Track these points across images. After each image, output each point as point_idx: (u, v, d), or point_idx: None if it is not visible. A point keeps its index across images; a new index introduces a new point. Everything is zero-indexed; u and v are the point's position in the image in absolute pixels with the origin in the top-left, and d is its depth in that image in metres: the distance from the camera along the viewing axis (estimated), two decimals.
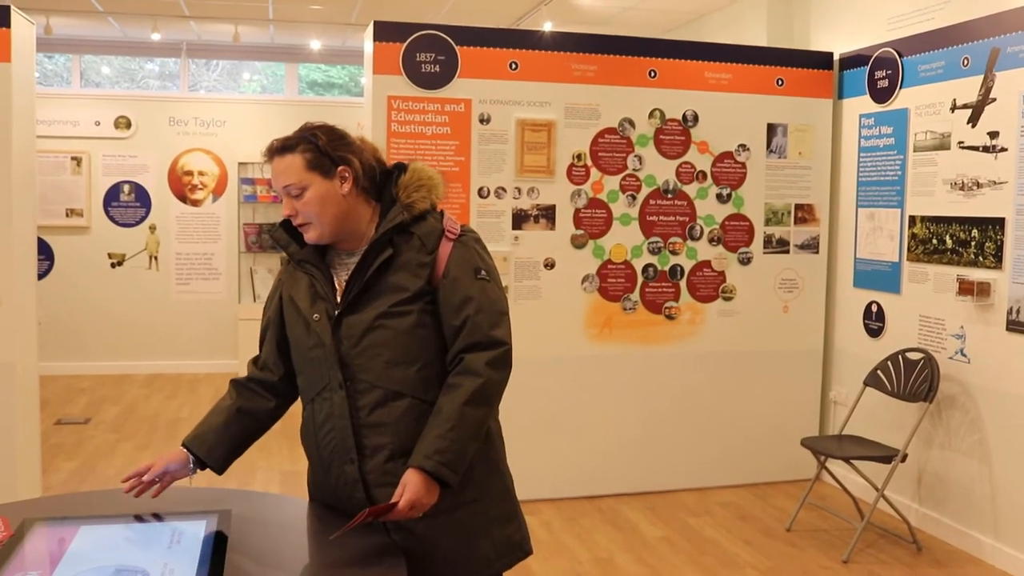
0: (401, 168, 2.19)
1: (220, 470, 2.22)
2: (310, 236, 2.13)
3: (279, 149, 2.11)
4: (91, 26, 7.86)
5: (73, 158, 8.10)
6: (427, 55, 4.70)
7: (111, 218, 8.22)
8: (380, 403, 2.07)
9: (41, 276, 7.89)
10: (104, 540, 2.02)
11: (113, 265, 8.26)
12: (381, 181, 2.18)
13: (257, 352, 2.32)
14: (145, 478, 2.13)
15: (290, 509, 2.28)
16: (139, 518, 2.10)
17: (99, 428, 6.44)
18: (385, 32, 4.68)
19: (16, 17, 4.41)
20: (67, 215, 8.12)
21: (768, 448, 5.30)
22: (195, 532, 2.06)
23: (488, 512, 2.16)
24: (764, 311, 5.27)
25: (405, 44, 4.67)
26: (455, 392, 2.04)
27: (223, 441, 2.21)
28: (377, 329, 2.07)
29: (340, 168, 2.10)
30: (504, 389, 2.12)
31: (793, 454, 4.90)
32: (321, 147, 2.09)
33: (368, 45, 4.77)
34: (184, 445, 2.21)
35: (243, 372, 2.33)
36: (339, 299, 2.11)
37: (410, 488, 1.97)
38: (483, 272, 2.13)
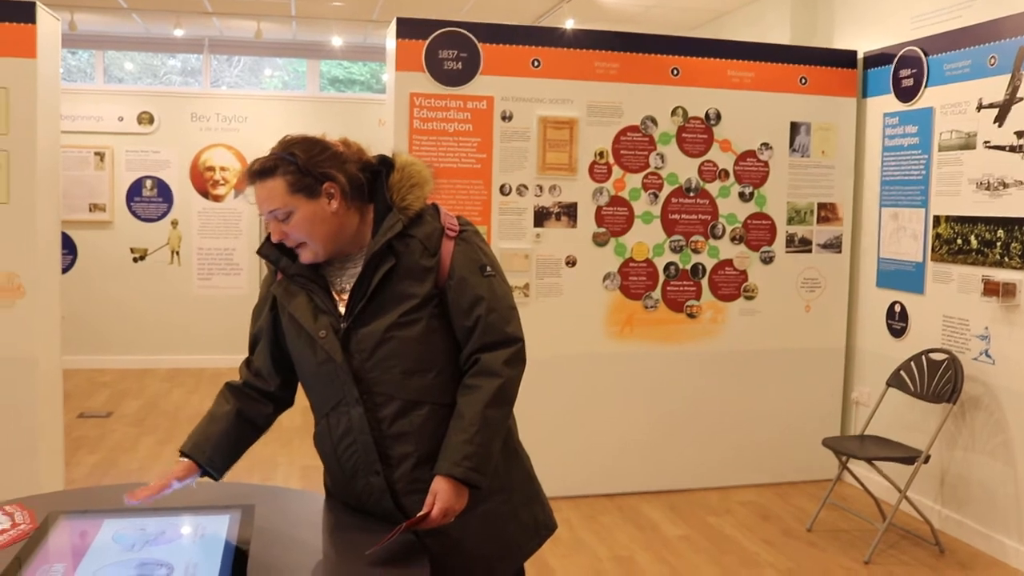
0: (388, 163, 2.10)
1: (219, 477, 2.17)
2: (306, 257, 2.05)
3: (258, 174, 2.01)
4: (115, 22, 7.91)
5: (96, 153, 8.15)
6: (450, 52, 4.70)
7: (134, 213, 8.27)
8: (400, 414, 2.04)
9: (64, 270, 7.95)
10: (128, 534, 2.02)
11: (135, 260, 8.30)
12: (370, 180, 2.09)
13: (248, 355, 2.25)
14: (154, 492, 2.05)
15: (313, 505, 2.27)
16: (163, 512, 2.11)
17: (121, 422, 6.48)
18: (408, 29, 4.68)
19: (42, 13, 4.43)
20: (90, 210, 8.17)
21: (789, 448, 5.27)
22: (219, 527, 2.06)
23: (513, 499, 2.16)
24: (786, 310, 5.24)
25: (428, 41, 4.67)
26: (475, 394, 2.01)
27: (222, 449, 2.14)
28: (389, 341, 2.02)
29: (325, 185, 2.00)
30: (519, 384, 2.10)
31: (814, 454, 4.89)
32: (302, 166, 1.99)
33: (391, 42, 4.77)
34: (184, 453, 2.13)
35: None
36: (343, 311, 2.05)
37: (441, 496, 1.95)
38: (488, 268, 2.09)
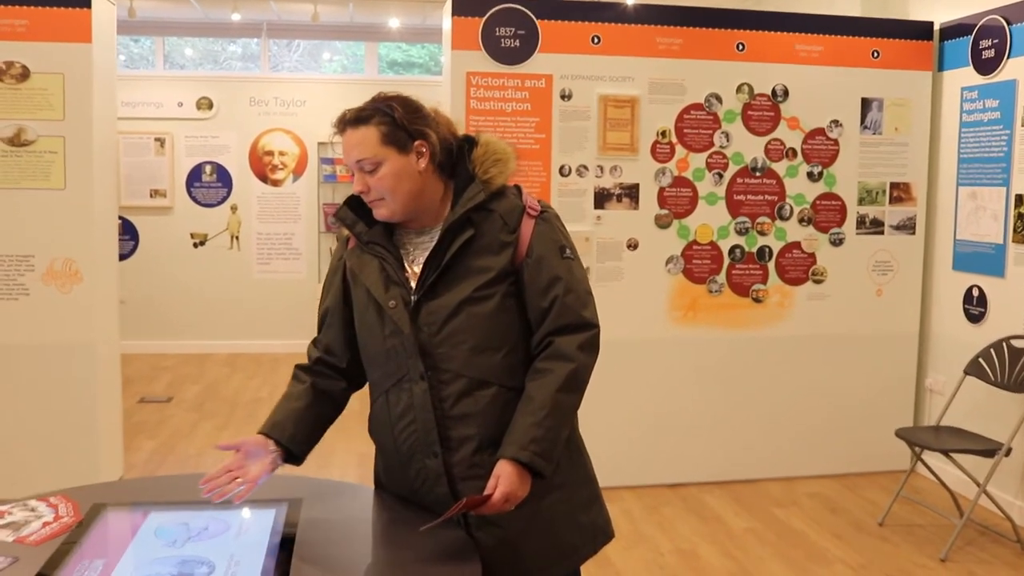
0: (470, 141, 2.06)
1: (301, 459, 2.09)
2: (381, 213, 2.00)
3: (352, 121, 1.98)
4: (173, 8, 7.93)
5: (156, 139, 8.19)
6: (507, 30, 4.58)
7: (193, 198, 8.30)
8: (465, 393, 1.95)
9: (126, 256, 8.06)
10: (172, 527, 1.96)
11: (196, 245, 8.35)
12: (454, 155, 2.04)
13: (316, 335, 2.19)
14: (229, 464, 1.96)
15: (362, 499, 2.19)
16: (208, 506, 2.03)
17: (180, 407, 6.51)
18: (464, 6, 4.57)
19: None
20: (151, 196, 8.23)
21: (859, 437, 5.08)
22: (264, 521, 1.99)
23: (572, 498, 2.06)
24: (856, 294, 5.05)
25: (484, 18, 4.56)
26: (547, 378, 1.93)
27: (303, 426, 2.08)
28: (460, 315, 1.95)
29: (417, 142, 1.97)
30: (592, 371, 2.00)
31: (886, 444, 4.69)
32: (398, 120, 1.95)
33: (446, 20, 4.67)
34: (263, 433, 2.06)
35: None
36: (415, 283, 1.99)
37: (504, 480, 1.86)
38: (568, 251, 2.02)
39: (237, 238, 8.39)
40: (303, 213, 8.41)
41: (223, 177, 8.31)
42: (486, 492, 1.86)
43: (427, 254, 1.98)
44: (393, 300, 1.97)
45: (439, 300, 1.96)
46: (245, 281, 8.42)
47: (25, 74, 4.32)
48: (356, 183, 1.99)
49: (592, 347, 1.99)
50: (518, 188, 2.07)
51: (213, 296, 8.36)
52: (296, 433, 2.07)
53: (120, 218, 7.94)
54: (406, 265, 2.02)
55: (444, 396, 1.96)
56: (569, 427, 1.99)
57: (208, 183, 8.30)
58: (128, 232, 8.16)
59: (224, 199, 8.34)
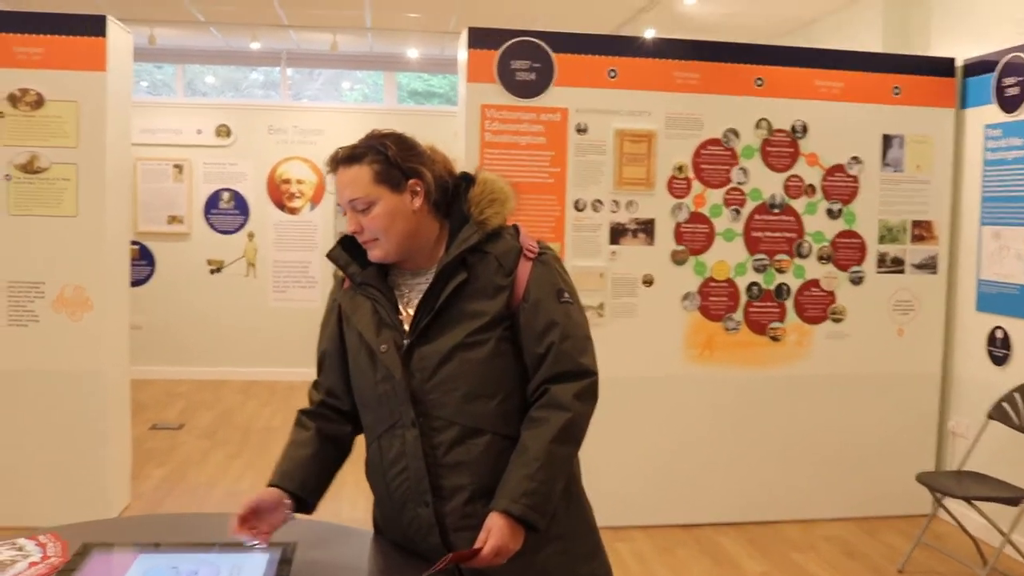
0: (468, 179, 2.00)
1: (312, 507, 2.04)
2: (375, 255, 1.95)
3: (345, 159, 1.93)
4: (193, 36, 7.98)
5: (175, 166, 8.20)
6: (522, 63, 4.55)
7: (211, 225, 8.30)
8: (458, 441, 1.89)
9: (143, 281, 8.06)
10: (160, 571, 1.90)
11: (212, 271, 8.34)
12: (450, 194, 1.99)
13: (316, 378, 2.13)
14: (240, 517, 1.92)
15: (358, 544, 2.12)
16: (198, 549, 1.97)
17: (192, 434, 6.46)
18: (480, 39, 4.55)
19: (112, 27, 4.42)
20: (168, 222, 8.23)
21: (879, 479, 4.96)
22: (257, 566, 1.92)
23: (570, 550, 1.98)
24: (877, 334, 4.95)
25: (500, 51, 4.53)
26: (541, 428, 1.86)
27: (312, 474, 2.02)
28: (453, 360, 1.88)
29: (411, 181, 1.92)
30: (589, 422, 1.93)
31: (906, 487, 4.56)
32: (391, 158, 1.91)
33: (462, 52, 4.64)
34: (272, 486, 1.99)
35: None
36: (407, 327, 1.93)
37: (495, 534, 1.79)
38: (566, 294, 1.95)
39: (254, 265, 8.37)
40: (320, 242, 8.39)
41: (240, 204, 8.32)
42: (476, 545, 1.80)
43: (421, 296, 1.93)
44: (385, 344, 1.92)
45: (431, 345, 1.90)
46: (261, 309, 8.39)
47: (40, 101, 4.32)
48: (349, 223, 1.94)
49: (590, 396, 1.91)
50: (516, 228, 2.01)
51: (229, 323, 8.33)
52: (306, 481, 2.01)
53: (137, 243, 7.97)
54: (400, 307, 1.97)
55: (436, 443, 1.90)
56: (564, 478, 1.91)
57: (225, 210, 8.30)
58: (145, 258, 8.16)
59: (241, 226, 8.33)
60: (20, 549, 2.00)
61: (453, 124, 7.95)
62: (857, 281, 4.92)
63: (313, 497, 2.03)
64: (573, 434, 1.88)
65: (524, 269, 1.93)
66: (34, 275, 4.36)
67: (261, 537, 1.92)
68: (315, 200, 8.38)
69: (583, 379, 1.90)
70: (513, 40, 4.54)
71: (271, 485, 2.00)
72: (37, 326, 4.38)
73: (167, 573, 1.89)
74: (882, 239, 4.94)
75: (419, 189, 1.93)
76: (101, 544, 2.03)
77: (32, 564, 1.92)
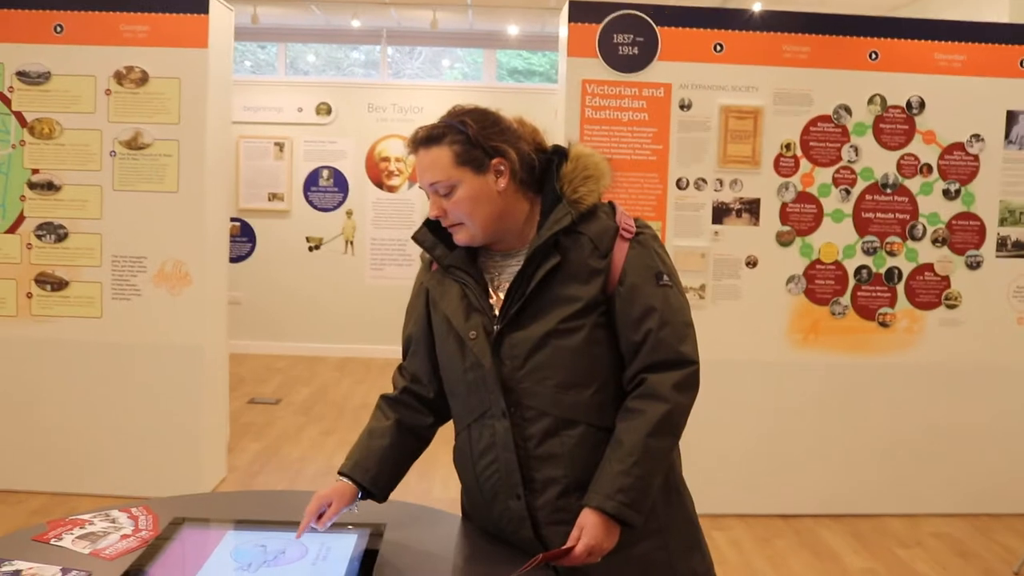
0: (561, 153, 1.88)
1: (383, 498, 1.99)
2: (461, 238, 1.85)
3: (424, 140, 1.83)
4: (296, 14, 8.04)
5: (276, 143, 8.30)
6: (625, 36, 4.42)
7: (310, 202, 8.39)
8: (551, 432, 1.81)
9: (244, 257, 8.20)
10: (249, 549, 1.88)
11: (311, 249, 8.43)
12: (541, 169, 1.88)
13: (401, 362, 2.08)
14: (308, 517, 1.89)
15: (447, 528, 2.06)
16: (287, 527, 1.94)
17: (288, 409, 6.55)
18: (581, 12, 4.44)
19: (215, 4, 4.45)
20: (269, 199, 8.34)
21: (992, 475, 4.72)
22: (345, 547, 1.89)
23: (670, 544, 1.88)
24: (994, 322, 4.69)
25: (602, 25, 4.42)
26: (637, 420, 1.76)
27: (387, 466, 1.97)
28: (545, 348, 1.79)
29: (494, 161, 1.81)
30: (690, 413, 1.83)
31: (1022, 483, 4.33)
32: (472, 137, 1.80)
33: (563, 27, 4.54)
34: (343, 474, 1.96)
35: None
36: (498, 312, 1.84)
37: (588, 532, 1.71)
38: (665, 277, 1.83)
39: (351, 243, 8.43)
40: (417, 220, 8.37)
41: (340, 182, 8.38)
42: (568, 543, 1.72)
43: (512, 280, 1.83)
44: (474, 331, 1.83)
45: (523, 332, 1.81)
46: (358, 286, 8.45)
47: (144, 78, 4.38)
48: (432, 207, 1.85)
49: (689, 386, 1.80)
50: (612, 206, 1.90)
51: (326, 300, 8.42)
52: (378, 476, 1.96)
53: (238, 220, 8.10)
54: (491, 291, 1.88)
55: (528, 435, 1.82)
56: (662, 473, 1.81)
57: (325, 188, 8.37)
58: (246, 234, 8.30)
59: (340, 204, 8.40)
60: (113, 521, 2.02)
61: (553, 102, 7.86)
62: (974, 266, 4.68)
63: (384, 492, 1.98)
64: (671, 427, 1.78)
65: (620, 251, 1.82)
66: (136, 250, 4.44)
67: (319, 522, 1.88)
68: (413, 179, 8.38)
69: (682, 368, 1.80)
70: (616, 13, 4.42)
71: (342, 472, 1.96)
72: (139, 300, 4.46)
73: (255, 551, 1.87)
74: (1003, 222, 4.68)
75: (503, 168, 1.82)
76: (191, 519, 2.02)
77: (124, 536, 1.94)
